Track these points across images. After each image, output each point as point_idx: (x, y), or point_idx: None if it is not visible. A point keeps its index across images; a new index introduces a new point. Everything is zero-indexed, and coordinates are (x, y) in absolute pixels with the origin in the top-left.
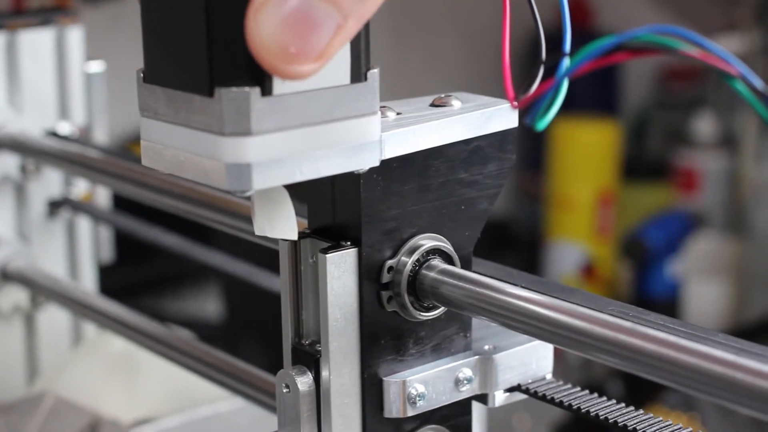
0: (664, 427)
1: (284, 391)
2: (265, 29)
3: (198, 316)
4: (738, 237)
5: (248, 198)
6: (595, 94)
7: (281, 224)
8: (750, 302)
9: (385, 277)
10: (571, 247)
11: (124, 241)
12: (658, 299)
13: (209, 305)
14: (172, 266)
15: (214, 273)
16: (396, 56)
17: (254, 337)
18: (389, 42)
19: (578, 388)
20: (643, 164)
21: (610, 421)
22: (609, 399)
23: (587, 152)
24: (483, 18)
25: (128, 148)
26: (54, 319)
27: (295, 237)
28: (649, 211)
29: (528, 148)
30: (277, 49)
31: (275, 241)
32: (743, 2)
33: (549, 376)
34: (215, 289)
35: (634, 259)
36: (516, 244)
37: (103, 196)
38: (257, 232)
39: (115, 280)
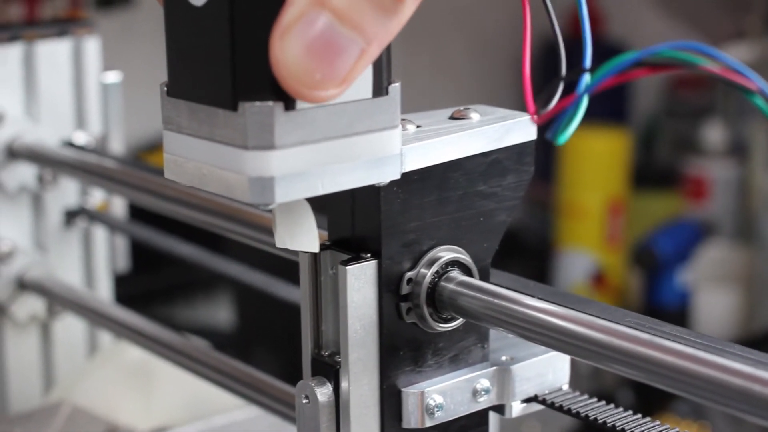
0: None
1: (304, 402)
2: (290, 54)
3: (209, 325)
4: (748, 245)
5: (270, 211)
6: (604, 103)
7: (302, 237)
8: (760, 310)
9: (405, 289)
10: (581, 256)
11: (136, 251)
12: (668, 308)
13: (220, 314)
14: (183, 275)
15: (226, 282)
16: (405, 67)
17: (266, 345)
18: (398, 53)
19: (594, 399)
20: (652, 173)
21: (627, 431)
22: (625, 410)
23: (597, 161)
24: (493, 29)
25: (140, 157)
26: (70, 328)
27: (316, 249)
28: (659, 220)
29: (538, 157)
30: (302, 74)
31: (294, 252)
32: (752, 10)
33: (565, 387)
34: (226, 298)
35: (645, 268)
36: (526, 253)
37: (118, 206)
38: (278, 245)
39: (127, 289)
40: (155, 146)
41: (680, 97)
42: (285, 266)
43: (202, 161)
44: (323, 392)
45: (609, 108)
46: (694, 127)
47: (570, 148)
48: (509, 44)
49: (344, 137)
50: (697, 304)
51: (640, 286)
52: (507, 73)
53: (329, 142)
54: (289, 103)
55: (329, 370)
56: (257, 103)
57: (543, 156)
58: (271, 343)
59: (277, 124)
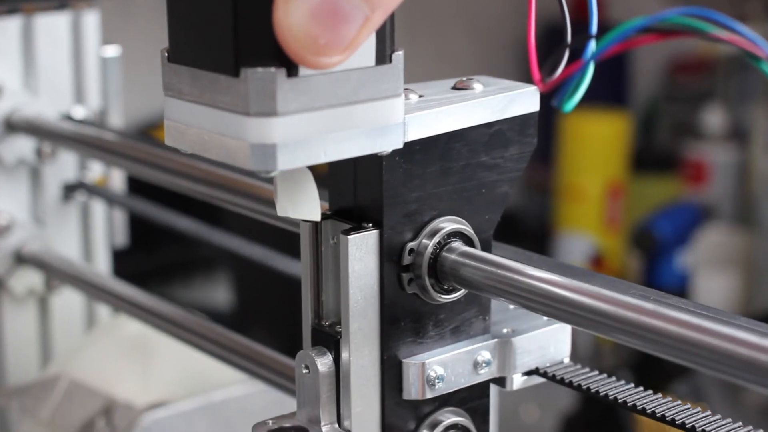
0: (683, 410)
1: (304, 372)
2: (294, 19)
3: (208, 305)
4: (747, 229)
5: (270, 180)
6: (604, 86)
7: (304, 205)
8: (759, 294)
9: (406, 260)
10: (580, 239)
11: (135, 229)
12: (667, 290)
13: (219, 294)
14: (182, 254)
15: (224, 261)
16: (406, 49)
17: (264, 325)
18: (399, 35)
19: (596, 372)
20: (652, 156)
21: (629, 404)
22: (627, 383)
23: (597, 144)
24: (494, 12)
25: (148, 133)
26: (68, 303)
27: (318, 218)
28: (658, 204)
29: (537, 140)
30: (305, 40)
31: (295, 223)
32: None
33: (567, 360)
34: (225, 278)
35: (644, 251)
36: (525, 236)
37: (117, 180)
38: (280, 213)
39: (125, 268)
40: (154, 125)
41: (680, 82)
42: (284, 242)
43: (204, 128)
44: (323, 362)
45: (609, 91)
46: (694, 112)
47: (570, 131)
48: (510, 29)
49: (347, 105)
50: (696, 287)
51: (639, 268)
52: (508, 57)
53: (332, 109)
54: (291, 69)
55: (330, 340)
56: (259, 69)
57: (543, 139)
58: (269, 324)
59: (279, 90)
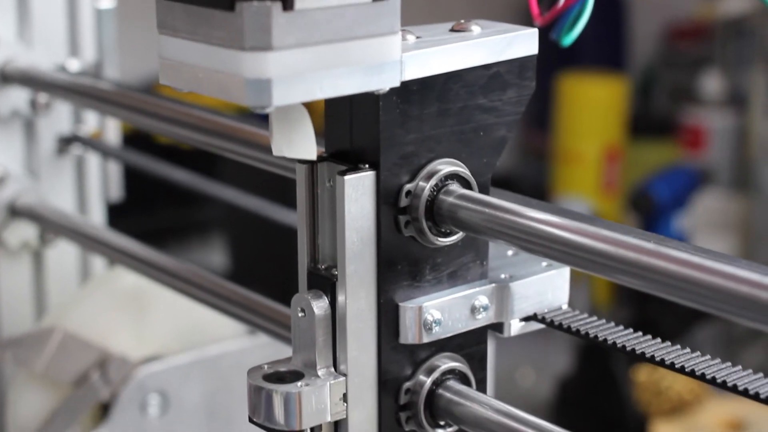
0: (682, 354)
1: (300, 315)
2: None
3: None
4: (745, 194)
5: (266, 117)
6: (602, 50)
7: (300, 144)
8: (756, 258)
9: (403, 202)
10: (577, 202)
11: (130, 192)
12: None
13: (214, 258)
14: (177, 218)
15: (220, 225)
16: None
17: (259, 289)
18: None
19: (594, 318)
20: (649, 121)
21: (627, 349)
22: (625, 328)
23: (594, 108)
24: None
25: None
26: (63, 256)
27: (313, 157)
28: (655, 168)
29: (533, 104)
30: None
31: (291, 169)
32: None
33: (565, 306)
34: (220, 242)
35: (641, 213)
36: None
37: (112, 134)
38: (275, 153)
39: (121, 232)
40: (149, 88)
41: (678, 47)
42: (279, 198)
43: (198, 64)
44: (319, 305)
45: (606, 55)
46: (691, 77)
47: (567, 96)
48: None
49: (343, 41)
50: None
51: None
52: (502, 10)
53: (328, 45)
54: (287, 2)
55: (326, 283)
56: (255, 3)
57: (540, 103)
58: (263, 287)
59: (275, 24)
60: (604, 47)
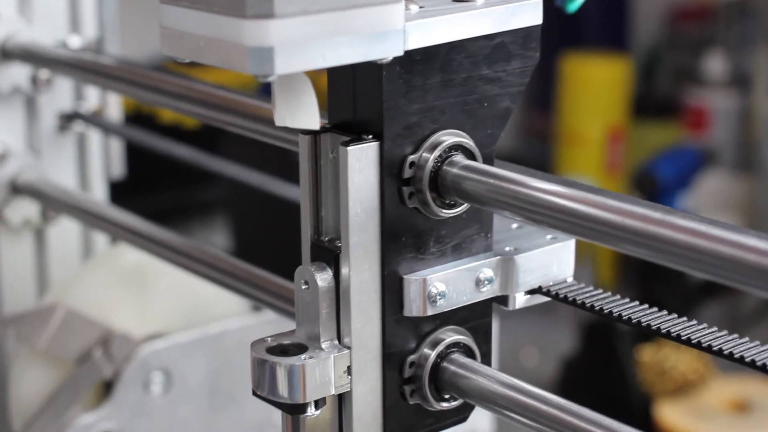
0: (688, 326)
1: (303, 287)
2: None
3: None
4: (748, 175)
5: (269, 85)
6: (605, 30)
7: (302, 114)
8: None
9: (407, 173)
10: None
11: (132, 173)
12: None
13: (217, 238)
14: (179, 199)
15: (222, 206)
16: None
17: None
18: None
19: (600, 290)
20: (653, 102)
21: (633, 321)
22: (631, 300)
23: (597, 88)
24: None
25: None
26: (65, 233)
27: (316, 126)
28: (659, 149)
29: (536, 85)
30: None
31: (293, 142)
32: None
33: (570, 279)
34: (223, 224)
35: (645, 193)
36: None
37: (114, 110)
38: (277, 123)
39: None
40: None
41: (682, 28)
42: (282, 175)
43: (200, 33)
44: (323, 277)
45: (610, 35)
46: (695, 58)
47: (570, 76)
48: None
49: (346, 9)
50: None
51: None
52: None
53: (331, 13)
54: None
55: (329, 255)
56: None
57: (543, 84)
58: (266, 269)
59: None
60: (607, 28)
